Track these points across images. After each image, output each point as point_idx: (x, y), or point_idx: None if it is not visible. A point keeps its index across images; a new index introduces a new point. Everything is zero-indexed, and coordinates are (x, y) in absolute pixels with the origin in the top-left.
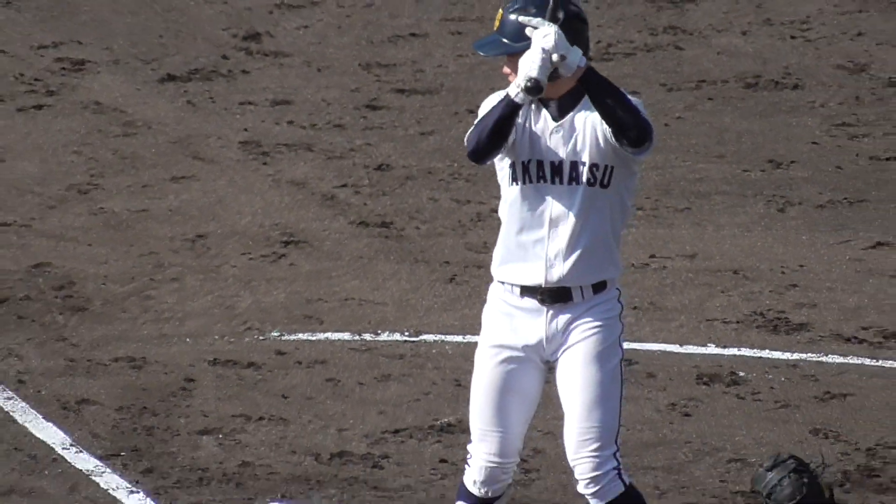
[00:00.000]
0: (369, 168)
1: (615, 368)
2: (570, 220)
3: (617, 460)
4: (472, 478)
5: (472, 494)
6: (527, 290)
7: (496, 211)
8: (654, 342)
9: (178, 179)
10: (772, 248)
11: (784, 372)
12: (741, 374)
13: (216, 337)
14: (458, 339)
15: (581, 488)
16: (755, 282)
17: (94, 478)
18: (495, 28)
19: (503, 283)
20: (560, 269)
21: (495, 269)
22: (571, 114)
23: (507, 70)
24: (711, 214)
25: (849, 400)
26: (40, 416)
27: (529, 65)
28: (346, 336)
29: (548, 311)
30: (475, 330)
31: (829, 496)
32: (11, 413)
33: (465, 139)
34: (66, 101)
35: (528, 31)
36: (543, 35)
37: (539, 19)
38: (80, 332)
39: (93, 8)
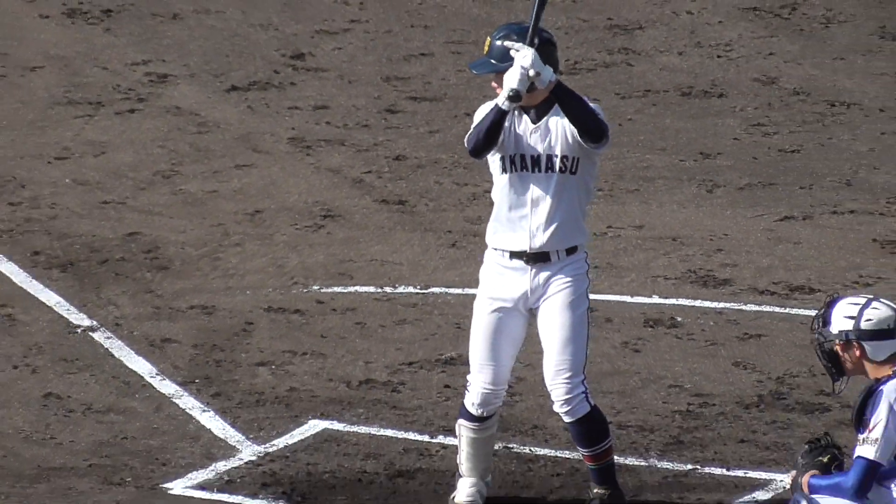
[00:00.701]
0: (389, 158)
1: (583, 314)
2: (547, 200)
3: (584, 386)
4: (471, 401)
5: (471, 414)
6: (515, 255)
7: (488, 192)
8: (610, 294)
9: (241, 167)
10: (702, 221)
11: (712, 317)
12: (679, 319)
13: (270, 290)
14: (458, 291)
15: (556, 408)
16: (689, 247)
17: (174, 400)
18: (485, 52)
19: (496, 249)
20: (541, 238)
21: (489, 238)
22: (546, 117)
23: (494, 84)
24: (655, 194)
25: (763, 339)
26: (133, 352)
27: (512, 79)
28: (371, 289)
29: (531, 270)
30: (471, 284)
31: (829, 458)
32: (110, 349)
33: (465, 140)
34: (153, 107)
35: (511, 52)
36: (523, 56)
37: (520, 44)
38: (163, 285)
39: (174, 33)
